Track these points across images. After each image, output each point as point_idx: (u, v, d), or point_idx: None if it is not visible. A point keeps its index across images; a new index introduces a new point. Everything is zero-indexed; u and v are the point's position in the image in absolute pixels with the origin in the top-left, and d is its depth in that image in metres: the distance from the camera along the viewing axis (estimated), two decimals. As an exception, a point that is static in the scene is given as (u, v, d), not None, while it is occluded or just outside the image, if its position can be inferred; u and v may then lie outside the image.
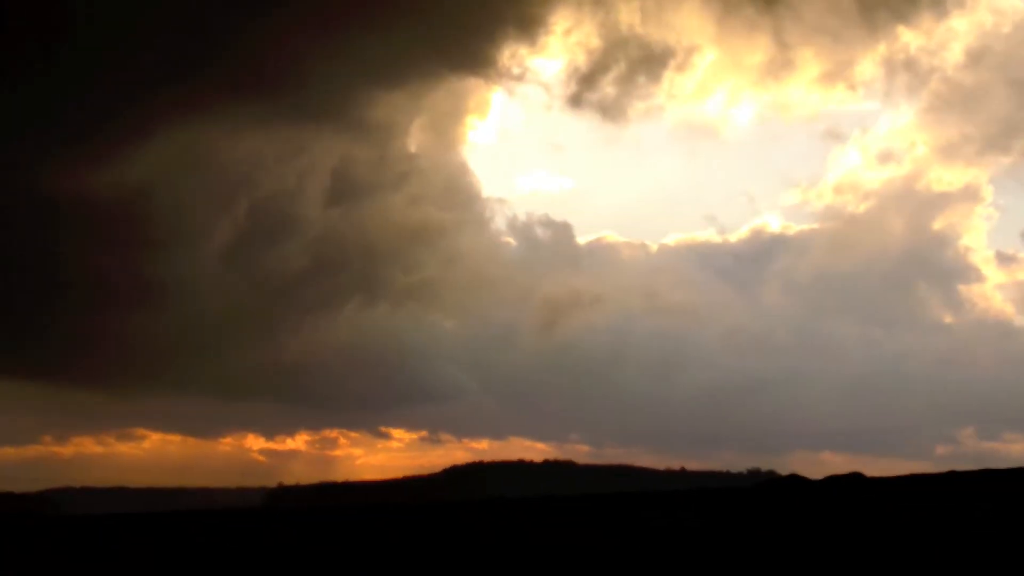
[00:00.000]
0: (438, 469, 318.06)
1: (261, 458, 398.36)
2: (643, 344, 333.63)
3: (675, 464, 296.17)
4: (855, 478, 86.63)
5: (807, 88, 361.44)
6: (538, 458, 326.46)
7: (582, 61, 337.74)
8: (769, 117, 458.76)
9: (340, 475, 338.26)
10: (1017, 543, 40.19)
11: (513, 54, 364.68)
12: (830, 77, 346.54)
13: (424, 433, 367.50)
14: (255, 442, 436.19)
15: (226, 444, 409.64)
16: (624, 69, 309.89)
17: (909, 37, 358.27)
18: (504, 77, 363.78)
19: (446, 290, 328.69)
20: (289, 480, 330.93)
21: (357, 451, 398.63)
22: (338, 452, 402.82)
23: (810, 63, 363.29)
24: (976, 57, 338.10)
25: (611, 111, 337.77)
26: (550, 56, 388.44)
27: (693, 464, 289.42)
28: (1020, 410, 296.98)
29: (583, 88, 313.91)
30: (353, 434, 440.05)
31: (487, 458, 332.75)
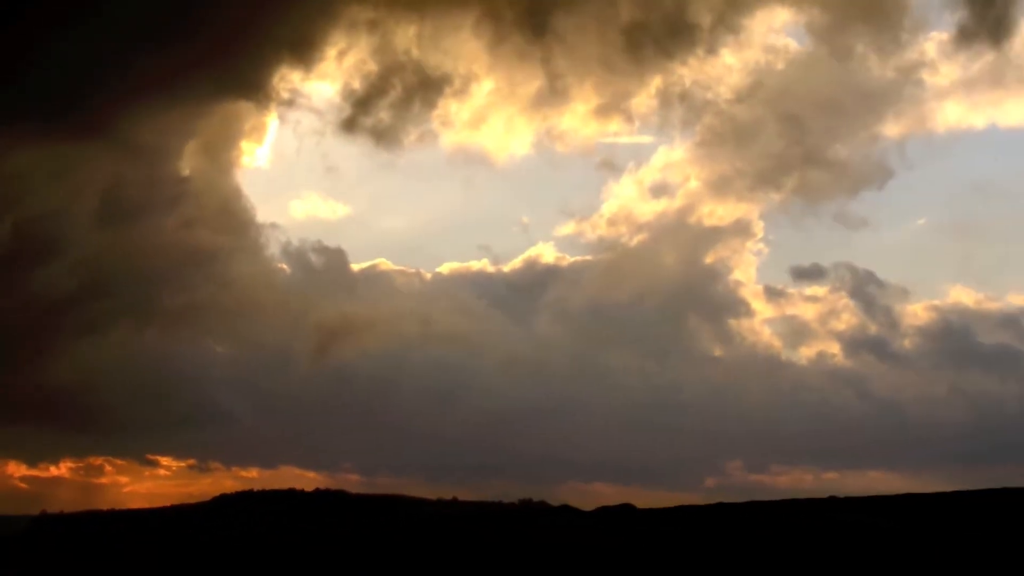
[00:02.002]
0: (207, 498, 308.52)
1: (23, 485, 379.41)
2: (418, 372, 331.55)
3: (448, 494, 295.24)
4: (626, 509, 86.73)
5: (583, 119, 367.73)
6: (309, 487, 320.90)
7: (357, 86, 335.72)
8: (545, 148, 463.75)
9: (106, 503, 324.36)
10: (783, 573, 40.50)
11: (287, 78, 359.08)
12: (606, 109, 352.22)
13: (192, 461, 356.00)
14: (16, 469, 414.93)
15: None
16: (399, 95, 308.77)
17: (684, 71, 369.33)
18: (278, 101, 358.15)
19: (218, 315, 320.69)
20: (53, 507, 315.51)
21: (123, 478, 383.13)
22: (104, 480, 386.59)
23: (587, 94, 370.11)
24: (749, 93, 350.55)
25: (385, 137, 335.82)
26: (325, 80, 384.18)
27: (466, 494, 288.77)
28: (786, 443, 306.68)
29: (358, 113, 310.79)
30: (119, 461, 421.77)
31: (257, 487, 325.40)
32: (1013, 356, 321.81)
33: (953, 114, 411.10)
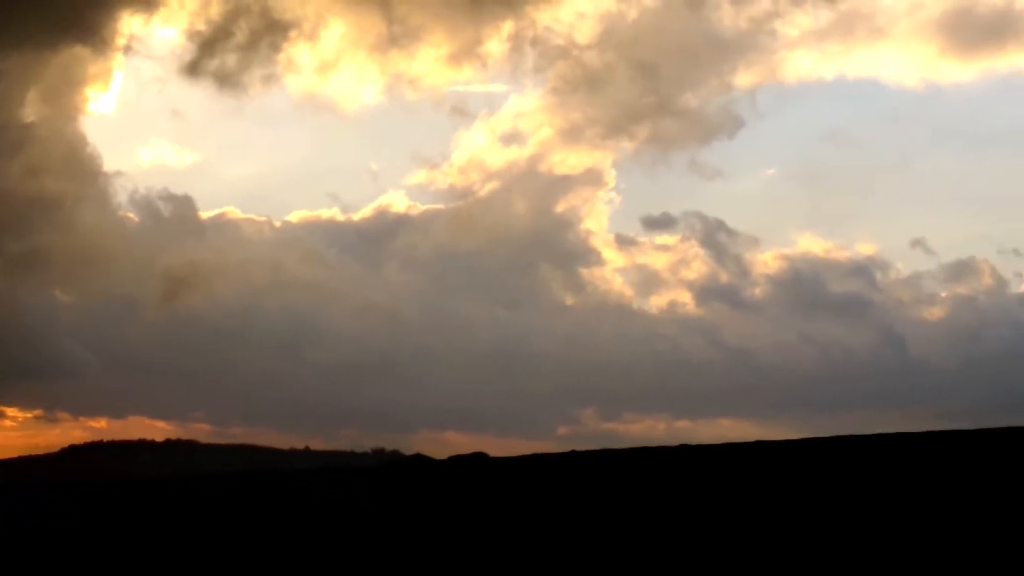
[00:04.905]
0: (55, 449, 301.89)
1: None
2: (269, 321, 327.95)
3: (300, 443, 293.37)
4: (478, 457, 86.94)
5: (434, 66, 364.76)
6: (159, 437, 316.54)
7: (201, 29, 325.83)
8: (395, 95, 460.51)
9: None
10: (636, 521, 40.28)
11: (131, 22, 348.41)
12: (458, 56, 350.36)
13: (39, 412, 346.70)
14: None
15: None
16: (245, 38, 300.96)
17: (536, 16, 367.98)
18: (121, 46, 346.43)
19: (63, 264, 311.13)
20: None
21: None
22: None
23: (438, 40, 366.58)
24: (602, 40, 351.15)
25: (230, 81, 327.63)
26: (170, 24, 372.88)
27: (318, 444, 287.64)
28: (639, 391, 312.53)
29: (202, 56, 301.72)
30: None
31: (106, 437, 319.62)
32: (861, 304, 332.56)
33: (803, 65, 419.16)
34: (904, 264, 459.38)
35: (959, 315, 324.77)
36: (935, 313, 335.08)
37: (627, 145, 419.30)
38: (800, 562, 29.79)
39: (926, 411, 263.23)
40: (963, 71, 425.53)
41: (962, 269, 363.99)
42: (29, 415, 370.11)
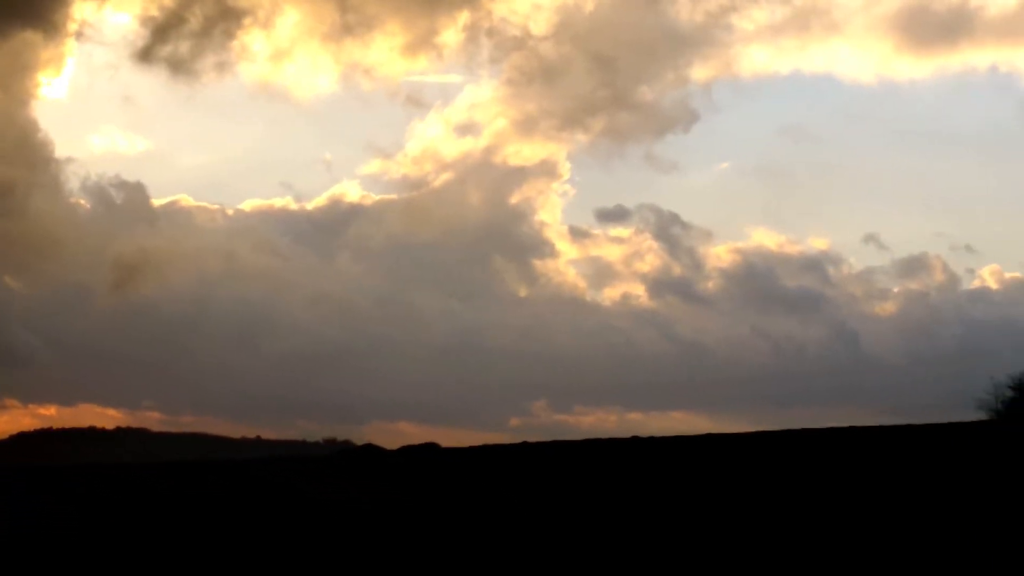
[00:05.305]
0: (3, 436, 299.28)
1: None
2: (221, 310, 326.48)
3: (251, 433, 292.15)
4: (430, 448, 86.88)
5: (389, 56, 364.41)
6: (110, 425, 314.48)
7: (155, 15, 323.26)
8: (350, 84, 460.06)
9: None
10: (586, 512, 40.24)
11: (83, 7, 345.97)
12: (413, 46, 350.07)
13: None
14: None
15: None
16: (199, 25, 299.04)
17: (492, 6, 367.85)
18: (74, 32, 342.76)
19: (14, 250, 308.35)
20: None
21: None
22: None
23: (394, 30, 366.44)
24: (558, 31, 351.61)
25: (184, 69, 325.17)
26: (122, 10, 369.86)
27: (269, 433, 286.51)
28: (591, 383, 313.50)
29: (156, 43, 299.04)
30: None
31: (56, 425, 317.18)
32: (814, 299, 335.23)
33: (759, 59, 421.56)
34: (857, 259, 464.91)
35: (911, 311, 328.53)
36: (887, 308, 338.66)
37: (582, 137, 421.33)
38: (751, 555, 29.74)
39: (877, 406, 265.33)
40: (918, 68, 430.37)
41: (914, 265, 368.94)
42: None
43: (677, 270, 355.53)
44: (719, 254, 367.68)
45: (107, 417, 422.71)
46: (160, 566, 34.09)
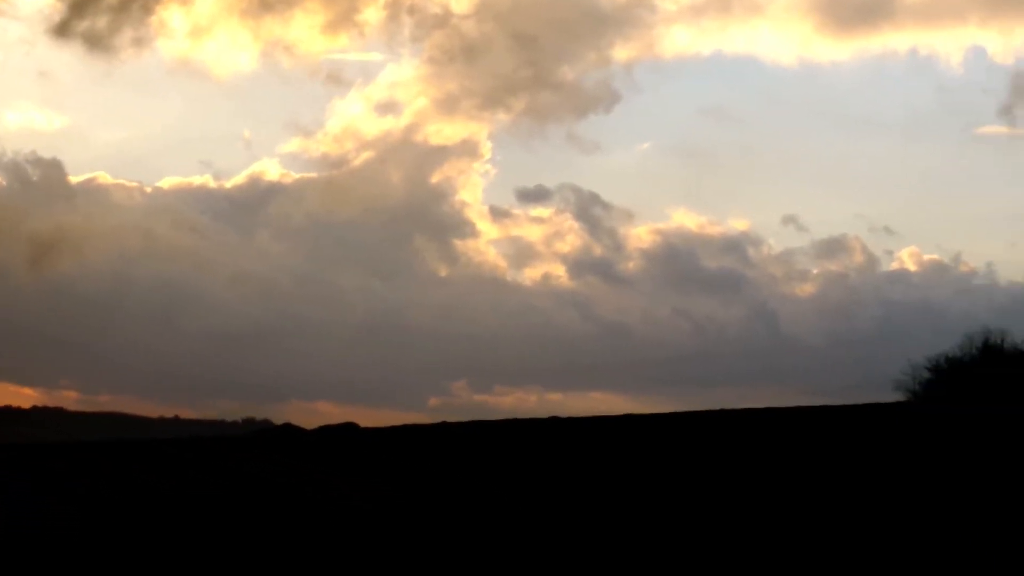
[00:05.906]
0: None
1: None
2: (140, 288, 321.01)
3: (170, 412, 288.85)
4: (348, 427, 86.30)
5: (310, 34, 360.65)
6: (26, 404, 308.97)
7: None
8: (270, 62, 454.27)
9: None
10: (505, 492, 40.02)
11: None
12: (334, 23, 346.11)
13: None
14: None
15: None
16: (117, 0, 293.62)
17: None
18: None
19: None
20: None
21: None
22: None
23: (314, 7, 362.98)
24: (480, 10, 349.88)
25: (101, 44, 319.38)
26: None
27: (188, 413, 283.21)
28: (511, 364, 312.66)
29: (72, 18, 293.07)
30: None
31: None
32: (735, 280, 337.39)
33: (681, 40, 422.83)
34: (776, 240, 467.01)
35: (830, 292, 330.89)
36: (806, 289, 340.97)
37: (503, 117, 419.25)
38: (668, 536, 29.62)
39: (798, 386, 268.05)
40: (838, 50, 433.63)
41: (834, 246, 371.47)
42: None
43: (598, 251, 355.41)
44: (640, 235, 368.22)
45: (23, 396, 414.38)
46: (77, 548, 33.26)
